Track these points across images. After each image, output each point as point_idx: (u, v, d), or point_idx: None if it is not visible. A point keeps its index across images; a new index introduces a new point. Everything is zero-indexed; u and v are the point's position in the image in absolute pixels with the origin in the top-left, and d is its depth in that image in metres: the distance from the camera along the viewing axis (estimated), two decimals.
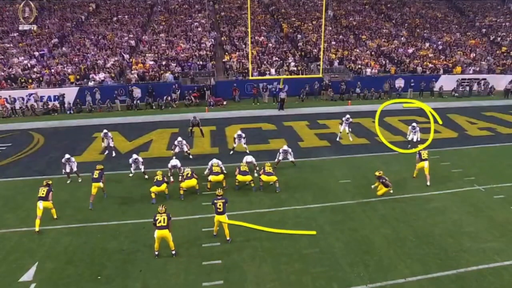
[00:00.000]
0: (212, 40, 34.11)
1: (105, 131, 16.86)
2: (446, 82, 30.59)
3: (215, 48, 33.66)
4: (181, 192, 12.68)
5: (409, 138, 17.25)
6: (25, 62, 29.57)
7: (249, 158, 14.21)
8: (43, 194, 11.11)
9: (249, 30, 26.34)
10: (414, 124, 17.40)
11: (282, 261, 9.36)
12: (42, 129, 21.66)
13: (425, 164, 13.60)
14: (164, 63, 29.60)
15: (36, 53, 30.72)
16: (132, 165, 14.26)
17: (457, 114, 23.91)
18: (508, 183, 13.78)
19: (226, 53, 32.28)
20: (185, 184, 12.63)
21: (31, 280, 8.78)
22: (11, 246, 10.13)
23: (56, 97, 26.03)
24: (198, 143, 18.33)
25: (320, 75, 27.24)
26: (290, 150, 15.05)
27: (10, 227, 11.08)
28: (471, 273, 8.91)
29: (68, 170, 14.04)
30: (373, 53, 33.93)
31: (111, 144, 16.83)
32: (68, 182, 14.09)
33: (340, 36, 36.53)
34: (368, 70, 30.38)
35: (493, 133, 20.19)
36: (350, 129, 18.41)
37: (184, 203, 12.38)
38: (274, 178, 13.00)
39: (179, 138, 16.00)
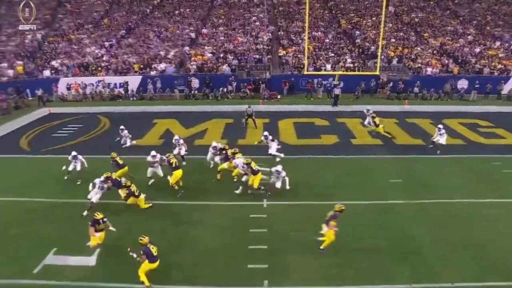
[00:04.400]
0: (269, 34, 34.49)
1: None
2: None
3: (272, 42, 34.00)
4: (176, 188, 12.62)
5: (435, 140, 16.44)
6: (96, 51, 31.97)
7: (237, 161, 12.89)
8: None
9: (306, 25, 26.36)
10: (440, 126, 16.63)
11: (326, 253, 9.56)
12: (108, 113, 23.46)
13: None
14: (221, 55, 30.52)
15: (106, 43, 33.06)
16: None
17: None
18: None
19: (282, 48, 32.51)
20: (174, 178, 12.33)
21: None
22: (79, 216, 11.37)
23: (121, 84, 27.95)
24: (251, 134, 18.83)
25: (377, 73, 26.57)
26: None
27: (81, 198, 12.28)
28: None
29: (71, 168, 13.64)
30: (435, 51, 32.37)
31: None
32: (66, 178, 13.81)
33: (401, 33, 35.23)
34: (429, 69, 29.06)
35: None
36: (371, 122, 18.40)
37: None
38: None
39: (176, 137, 15.31)
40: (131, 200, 11.56)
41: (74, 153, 13.80)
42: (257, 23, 36.47)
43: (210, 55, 30.74)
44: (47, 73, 29.43)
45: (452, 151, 16.53)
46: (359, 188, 13.17)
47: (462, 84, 27.84)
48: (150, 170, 13.32)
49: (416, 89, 27.10)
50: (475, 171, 14.11)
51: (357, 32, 35.03)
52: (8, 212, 11.95)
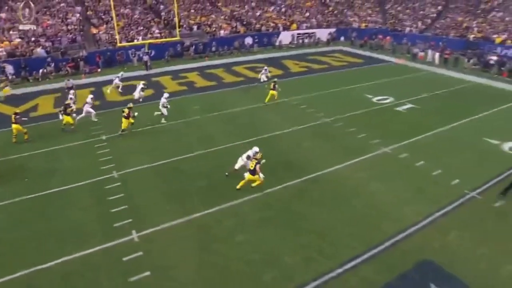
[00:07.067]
0: (78, 14, 35.98)
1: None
2: (285, 37, 38.53)
3: (83, 22, 35.70)
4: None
5: (262, 80, 24.26)
6: None
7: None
8: None
9: (111, 4, 29.55)
10: (266, 67, 24.97)
11: None
12: None
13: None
14: (33, 39, 31.06)
15: None
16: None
17: (289, 60, 31.77)
18: (303, 95, 21.64)
19: (94, 26, 34.80)
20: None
21: None
22: None
23: None
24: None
25: (178, 38, 32.17)
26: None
27: None
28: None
29: None
30: (226, 17, 39.96)
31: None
32: None
33: (198, 5, 41.65)
34: (222, 32, 36.42)
35: (308, 69, 28.36)
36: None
37: None
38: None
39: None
40: None
41: None
42: (63, 4, 37.22)
43: (19, 39, 30.88)
44: None
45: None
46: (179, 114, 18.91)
47: (248, 40, 36.25)
48: None
49: (213, 48, 34.09)
50: (253, 94, 21.87)
51: (162, 7, 39.77)
52: None
